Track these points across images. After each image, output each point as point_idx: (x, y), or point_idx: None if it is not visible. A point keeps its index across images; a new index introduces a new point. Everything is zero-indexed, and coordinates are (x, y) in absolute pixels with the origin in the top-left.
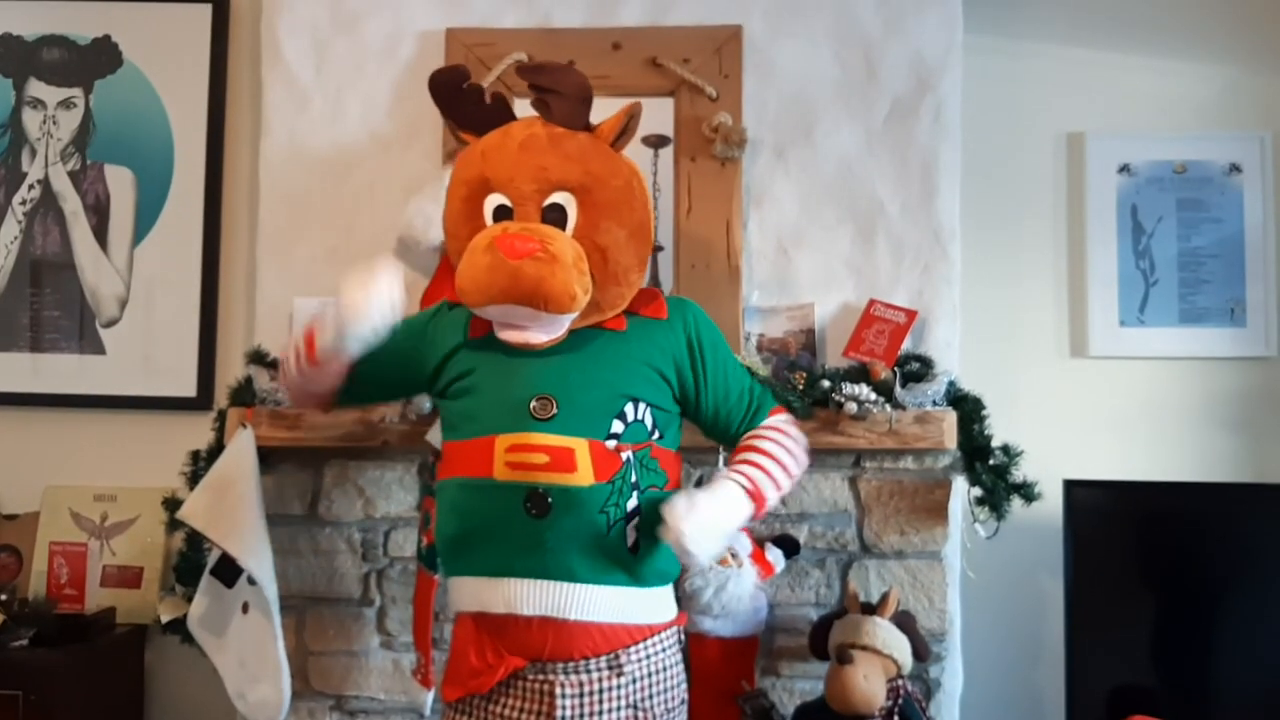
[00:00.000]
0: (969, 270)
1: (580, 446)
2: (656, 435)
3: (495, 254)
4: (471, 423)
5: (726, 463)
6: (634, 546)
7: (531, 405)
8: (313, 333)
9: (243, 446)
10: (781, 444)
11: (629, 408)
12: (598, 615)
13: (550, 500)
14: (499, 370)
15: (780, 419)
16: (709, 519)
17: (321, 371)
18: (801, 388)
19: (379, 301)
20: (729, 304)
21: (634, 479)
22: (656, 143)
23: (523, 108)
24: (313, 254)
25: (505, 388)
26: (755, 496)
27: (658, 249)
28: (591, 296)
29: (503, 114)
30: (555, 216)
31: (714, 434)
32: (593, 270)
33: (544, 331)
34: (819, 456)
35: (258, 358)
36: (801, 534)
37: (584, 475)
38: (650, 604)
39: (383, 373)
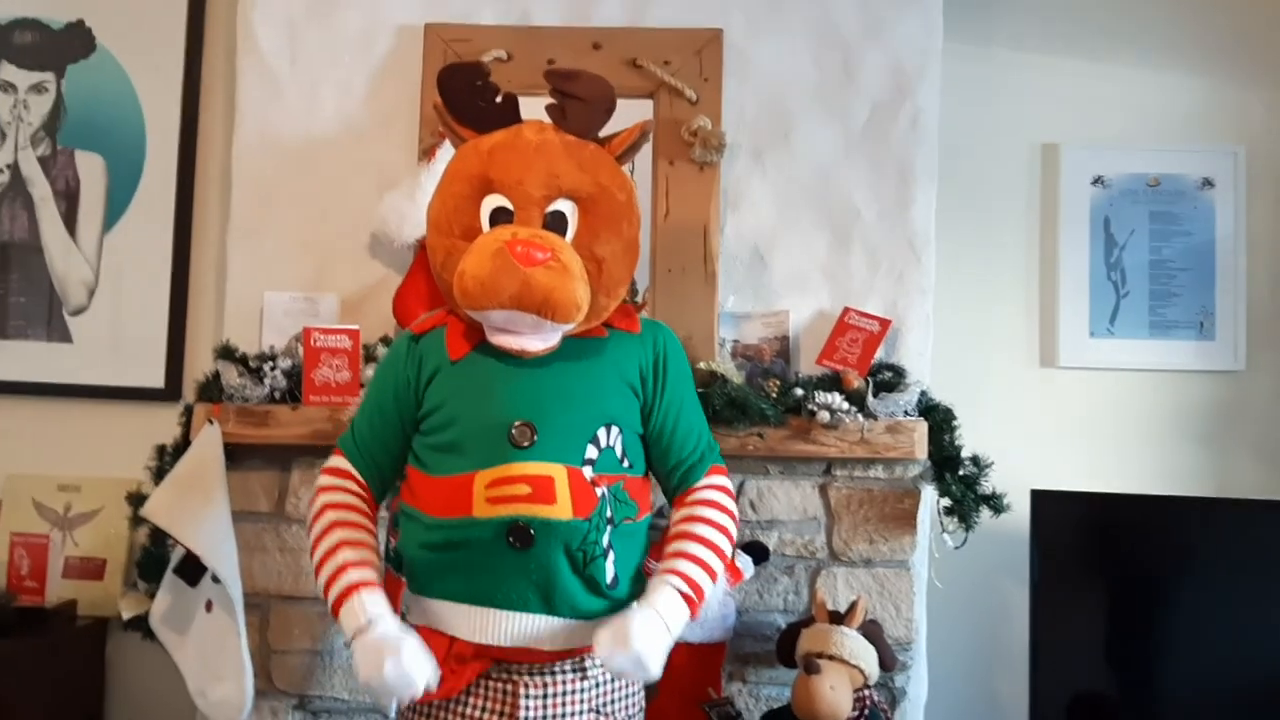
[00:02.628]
0: (940, 278)
1: (559, 475)
2: (626, 465)
3: (505, 258)
4: (449, 458)
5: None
6: (614, 581)
7: (511, 432)
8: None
9: (209, 443)
10: (720, 527)
11: (602, 432)
12: (575, 643)
13: (533, 532)
14: (477, 393)
15: (716, 492)
16: (640, 649)
17: None
18: (775, 395)
19: (403, 683)
20: (704, 309)
21: (609, 514)
22: None
23: (528, 108)
24: (284, 247)
25: (484, 413)
26: (692, 601)
27: None
28: None
29: (510, 114)
30: (556, 224)
31: (651, 463)
32: (590, 279)
33: (540, 340)
34: (790, 464)
35: (226, 353)
36: (770, 540)
37: (563, 508)
38: None
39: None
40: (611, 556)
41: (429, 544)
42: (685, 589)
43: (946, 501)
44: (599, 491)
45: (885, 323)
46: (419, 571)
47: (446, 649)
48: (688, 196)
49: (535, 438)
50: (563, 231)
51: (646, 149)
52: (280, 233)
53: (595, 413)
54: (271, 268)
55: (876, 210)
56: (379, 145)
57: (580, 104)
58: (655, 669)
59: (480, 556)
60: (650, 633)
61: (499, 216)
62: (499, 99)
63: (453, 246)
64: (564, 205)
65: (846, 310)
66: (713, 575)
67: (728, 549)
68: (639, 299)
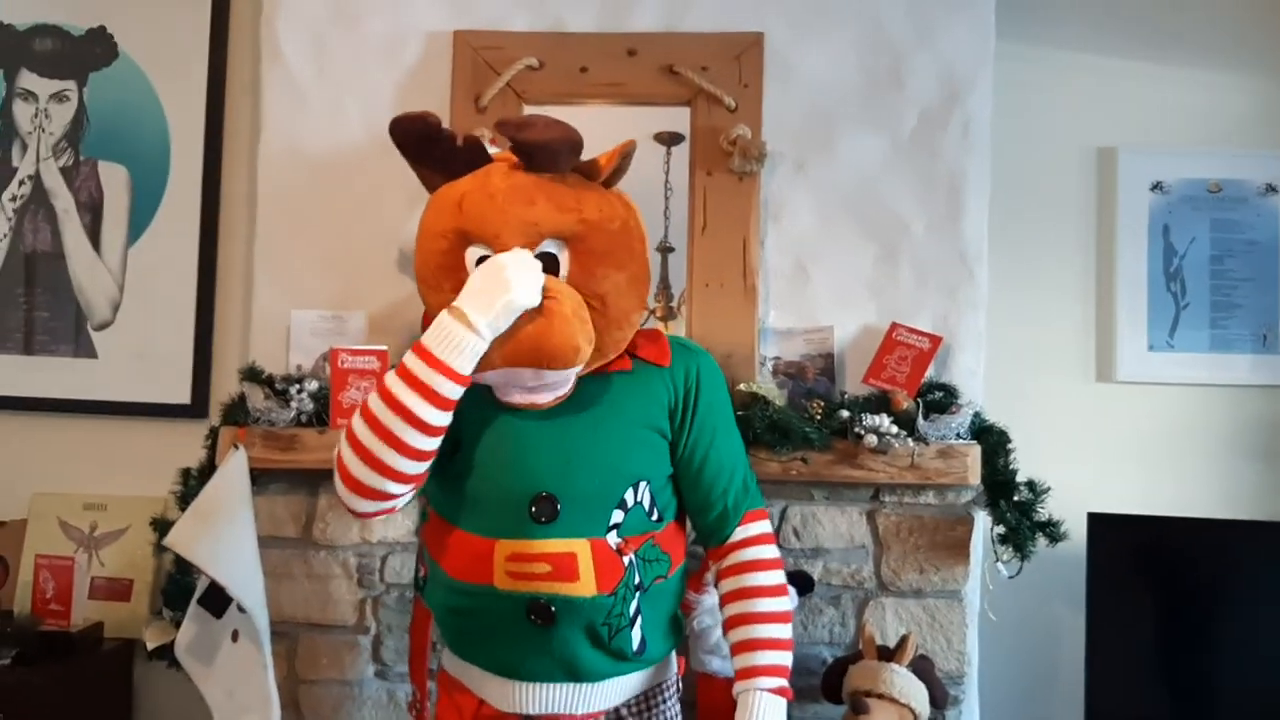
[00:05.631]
0: (992, 291)
1: (582, 550)
2: (655, 518)
3: None
4: (468, 512)
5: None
6: (641, 647)
7: (531, 509)
8: (438, 359)
9: (234, 469)
10: (776, 590)
11: (629, 493)
12: (606, 703)
13: (554, 610)
14: (495, 451)
15: (759, 548)
16: None
17: (449, 402)
18: (819, 418)
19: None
20: (744, 325)
21: (637, 580)
22: (669, 140)
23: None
24: (310, 262)
25: (503, 479)
26: (786, 690)
27: (669, 250)
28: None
29: (477, 156)
30: (548, 265)
31: (680, 495)
32: (592, 319)
33: (549, 390)
34: (836, 490)
35: (252, 375)
36: (816, 570)
37: (586, 585)
38: (655, 672)
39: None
40: (639, 622)
41: (453, 608)
42: (776, 683)
43: (1000, 529)
44: (626, 560)
45: (935, 339)
46: (446, 631)
47: (475, 709)
48: (726, 208)
49: (557, 511)
50: (556, 271)
51: (683, 157)
52: (307, 248)
53: (622, 474)
54: (298, 284)
55: (925, 221)
56: None
57: (542, 149)
58: None
59: (502, 629)
60: None
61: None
62: (460, 143)
63: (445, 301)
64: (551, 246)
65: (894, 326)
66: (789, 645)
67: (789, 606)
68: (674, 303)
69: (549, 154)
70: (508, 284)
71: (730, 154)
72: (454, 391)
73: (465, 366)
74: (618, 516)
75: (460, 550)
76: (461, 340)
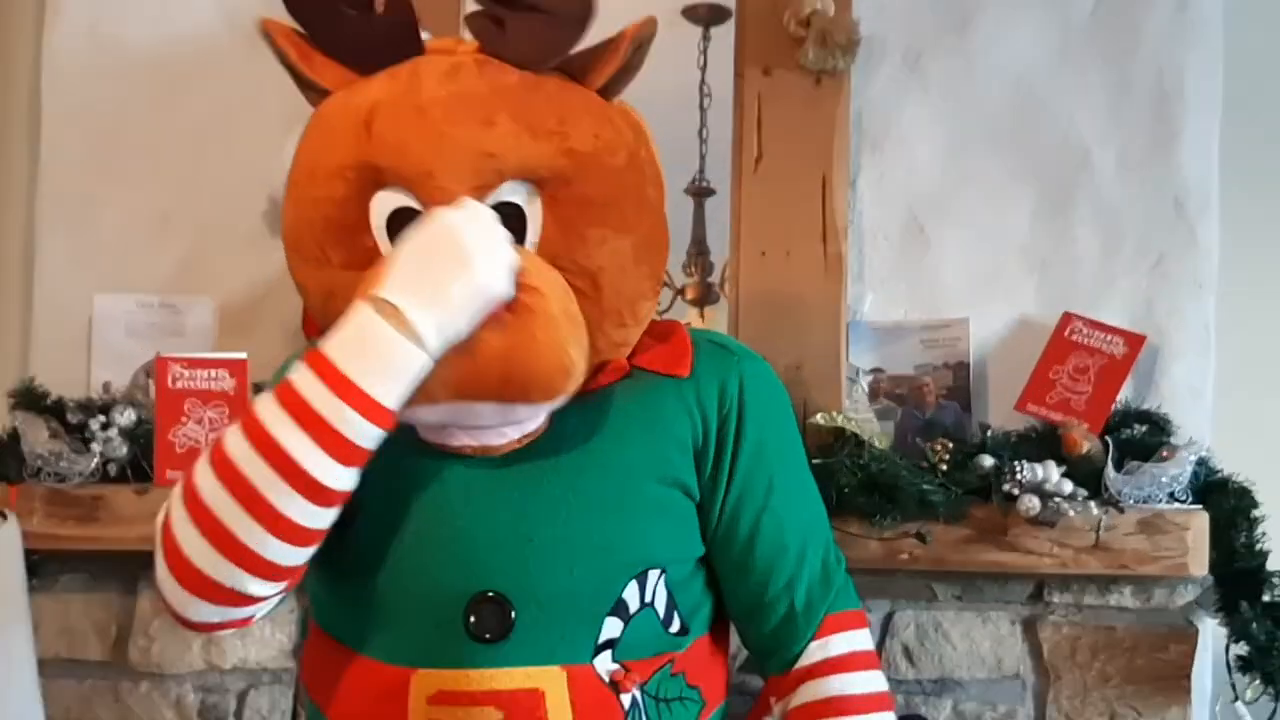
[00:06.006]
0: (1225, 262)
1: (553, 686)
2: (676, 630)
3: None
4: (372, 628)
5: None
6: None
7: (469, 619)
8: (346, 379)
9: None
10: None
11: (632, 589)
12: None
13: None
14: (417, 521)
15: (850, 677)
16: None
17: (363, 453)
18: (945, 468)
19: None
20: (823, 317)
21: None
22: (707, 17)
23: None
24: (125, 222)
25: (428, 570)
26: None
27: (709, 193)
28: None
29: (403, 37)
30: (507, 225)
31: (720, 586)
32: (580, 306)
33: (515, 428)
34: (973, 584)
35: (31, 400)
36: (941, 713)
37: None
38: None
39: None
40: None
41: None
42: None
43: (1242, 647)
44: (626, 699)
45: (1135, 340)
46: None
47: None
48: (795, 129)
49: (511, 623)
50: (519, 235)
51: (722, 52)
52: (121, 198)
53: (620, 560)
54: (105, 255)
55: (1116, 151)
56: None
57: (530, 13)
58: None
59: None
60: None
61: (402, 220)
62: (379, 9)
63: (333, 282)
64: (514, 192)
65: (1068, 319)
66: None
67: None
68: (713, 278)
69: (540, 20)
70: (466, 256)
71: (802, 41)
72: (370, 437)
73: (394, 396)
74: (613, 629)
75: (358, 685)
76: (393, 352)
